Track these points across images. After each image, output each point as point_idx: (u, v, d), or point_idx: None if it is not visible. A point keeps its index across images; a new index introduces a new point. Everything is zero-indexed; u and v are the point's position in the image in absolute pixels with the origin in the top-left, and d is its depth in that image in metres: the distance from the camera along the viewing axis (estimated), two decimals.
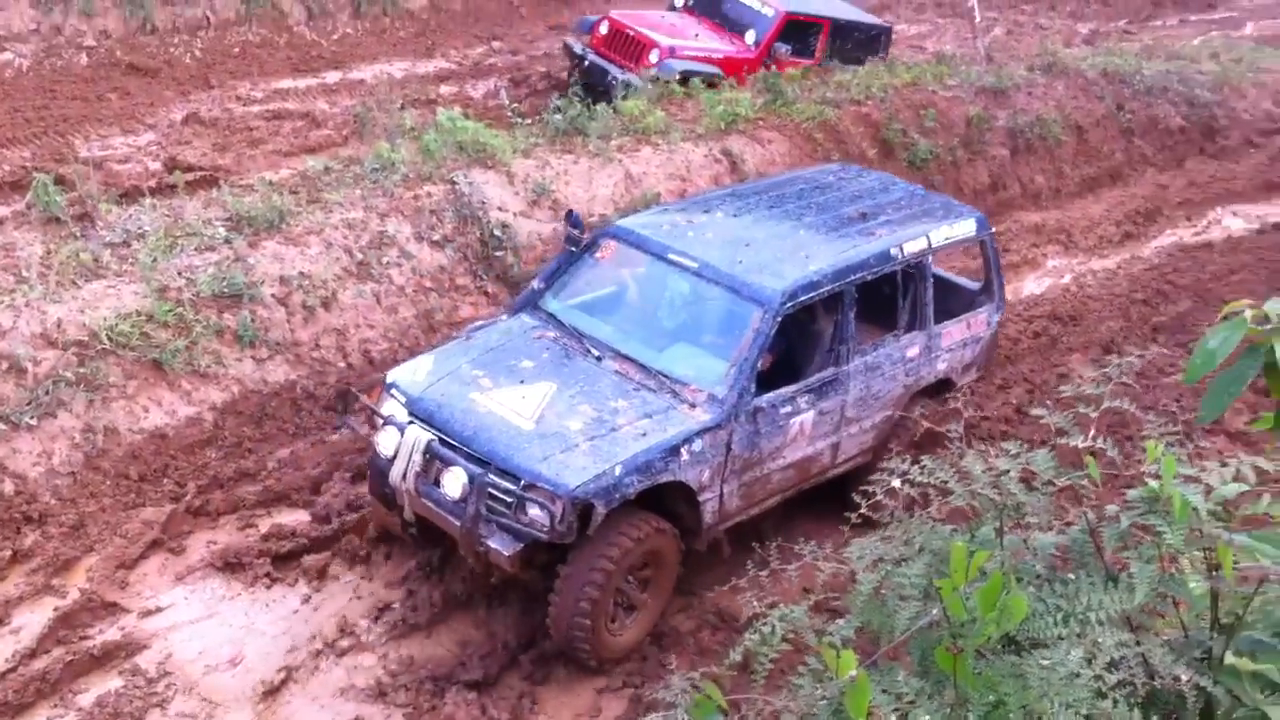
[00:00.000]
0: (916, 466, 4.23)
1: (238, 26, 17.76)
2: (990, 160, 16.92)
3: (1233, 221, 17.16)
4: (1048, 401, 5.68)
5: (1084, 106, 18.42)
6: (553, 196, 12.51)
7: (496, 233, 11.82)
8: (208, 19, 17.66)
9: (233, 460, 9.48)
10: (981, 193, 16.70)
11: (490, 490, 7.40)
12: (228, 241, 10.43)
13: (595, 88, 15.92)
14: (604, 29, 16.87)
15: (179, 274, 9.96)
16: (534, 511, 7.31)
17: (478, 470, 7.45)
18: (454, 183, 12.01)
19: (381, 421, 7.92)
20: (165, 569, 8.47)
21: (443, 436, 7.69)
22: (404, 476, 7.73)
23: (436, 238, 11.52)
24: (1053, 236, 15.89)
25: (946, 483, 4.00)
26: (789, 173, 11.81)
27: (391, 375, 8.26)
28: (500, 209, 12.08)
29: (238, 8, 17.88)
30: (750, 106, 15.13)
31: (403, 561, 8.64)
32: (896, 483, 4.04)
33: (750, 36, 17.13)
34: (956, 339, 9.82)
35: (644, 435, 7.64)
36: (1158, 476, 3.49)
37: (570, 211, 9.37)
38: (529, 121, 14.01)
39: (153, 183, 12.77)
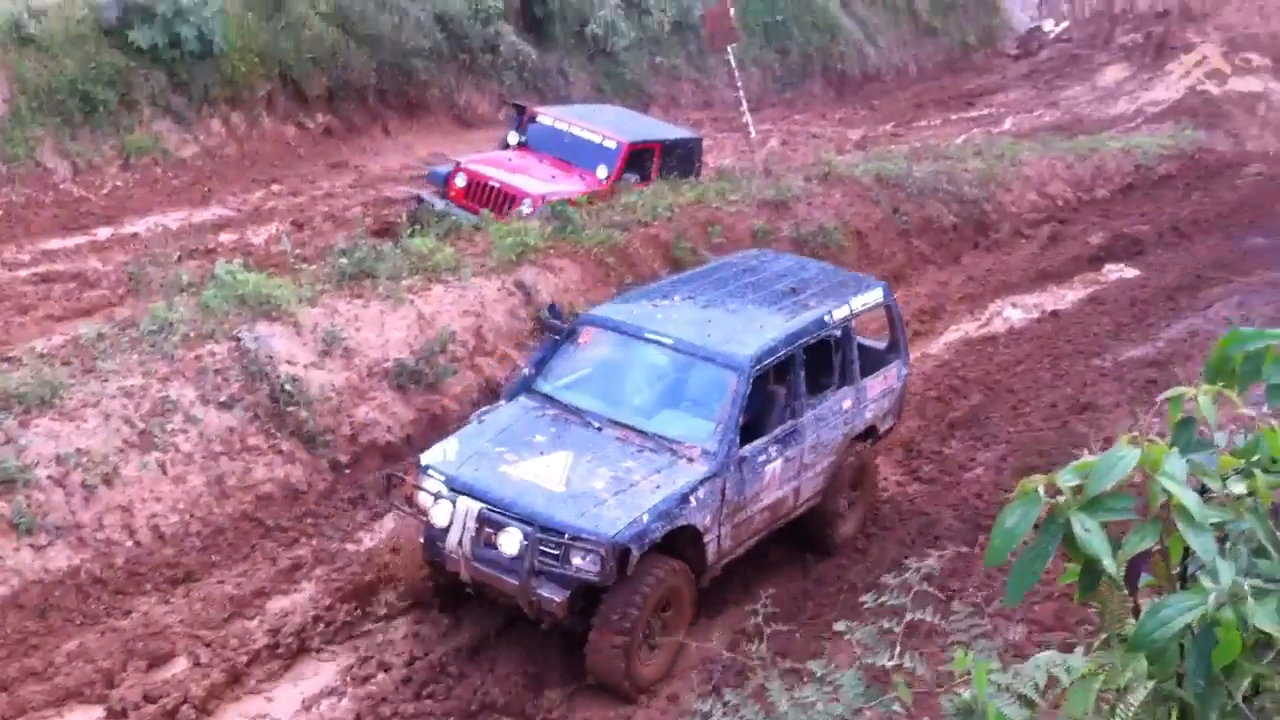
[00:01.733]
0: (720, 705, 4.08)
1: None
2: None
3: (1012, 312, 17.83)
4: (853, 616, 5.70)
5: (862, 212, 19.01)
6: (344, 344, 12.16)
7: (287, 387, 11.38)
8: None
9: (16, 659, 8.76)
10: None
11: (542, 545, 8.63)
12: None
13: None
14: (460, 181, 16.73)
15: None
16: (577, 560, 8.61)
17: (529, 529, 8.67)
18: (238, 339, 11.56)
19: (432, 498, 9.02)
20: None
21: (487, 505, 8.82)
22: (460, 543, 8.88)
23: (223, 398, 11.02)
24: None
25: None
26: (716, 260, 13.13)
27: (424, 459, 9.43)
28: (289, 362, 11.66)
29: None
30: (539, 236, 15.08)
31: None
32: None
33: (601, 171, 17.39)
34: (878, 391, 11.53)
35: (658, 488, 9.08)
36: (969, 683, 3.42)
37: (551, 304, 11.45)
38: (313, 267, 13.65)
39: None
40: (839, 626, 4.69)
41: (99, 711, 8.42)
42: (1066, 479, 3.19)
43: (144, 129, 18.58)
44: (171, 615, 9.34)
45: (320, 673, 9.03)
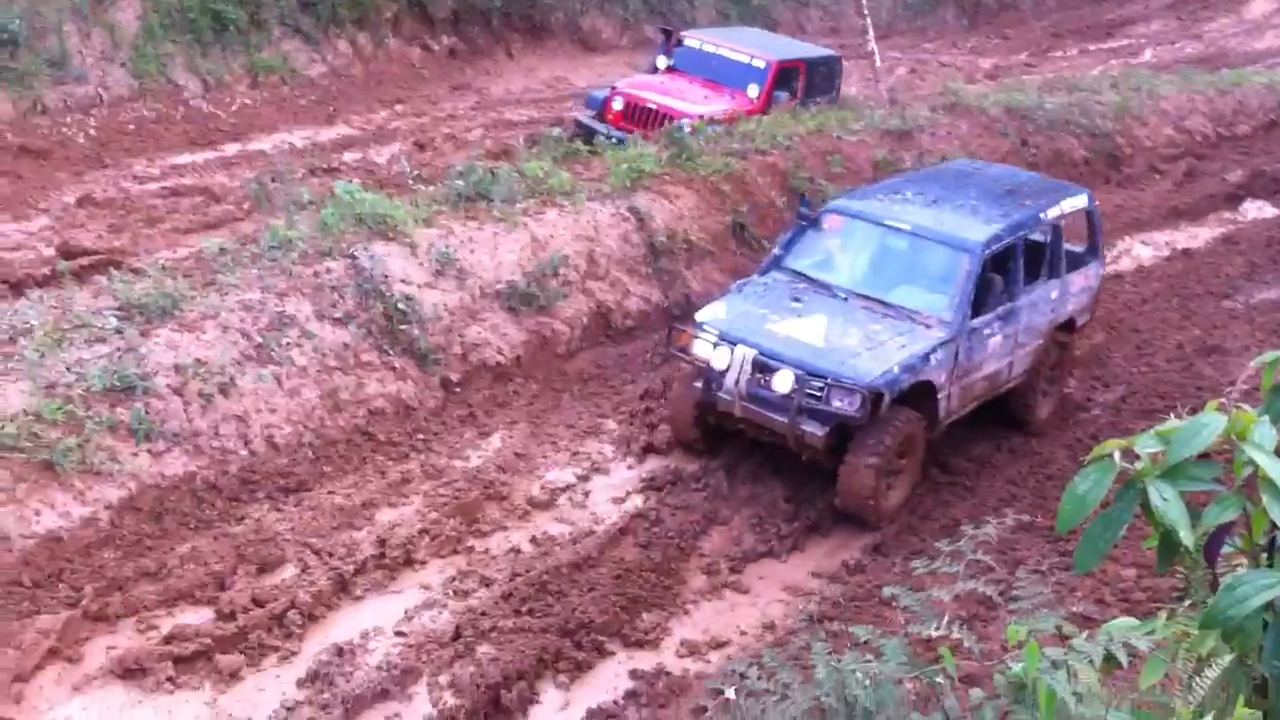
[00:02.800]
0: (756, 668, 4.05)
1: (131, 103, 17.38)
2: None
3: (1142, 250, 17.34)
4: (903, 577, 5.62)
5: (989, 144, 18.57)
6: (458, 265, 12.30)
7: (400, 306, 11.57)
8: (100, 96, 17.26)
9: (131, 559, 9.08)
10: None
11: (809, 385, 10.03)
12: (119, 332, 10.06)
13: None
14: (618, 105, 17.57)
15: (67, 369, 9.58)
16: (838, 402, 9.98)
17: (800, 371, 10.08)
18: (354, 257, 11.75)
19: (712, 345, 10.44)
20: (62, 679, 8.07)
21: (760, 353, 10.26)
22: (737, 382, 10.31)
23: (338, 315, 11.24)
24: None
25: (789, 685, 3.80)
26: (931, 167, 14.67)
27: (700, 316, 10.90)
28: (404, 281, 11.84)
29: (130, 84, 17.52)
30: (656, 162, 15.04)
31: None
32: (730, 692, 3.86)
33: (753, 90, 18.08)
34: (1078, 287, 12.65)
35: (904, 347, 10.40)
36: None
37: (803, 195, 13.06)
38: (431, 188, 13.81)
39: (47, 270, 12.35)
40: (888, 591, 4.62)
41: (209, 613, 8.68)
42: (1146, 444, 3.07)
43: (272, 48, 18.94)
44: (282, 523, 9.59)
45: (424, 584, 9.23)
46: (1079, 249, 12.96)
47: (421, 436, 11.07)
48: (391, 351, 11.42)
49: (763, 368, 10.30)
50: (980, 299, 11.13)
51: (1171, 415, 3.51)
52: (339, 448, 10.62)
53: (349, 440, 10.73)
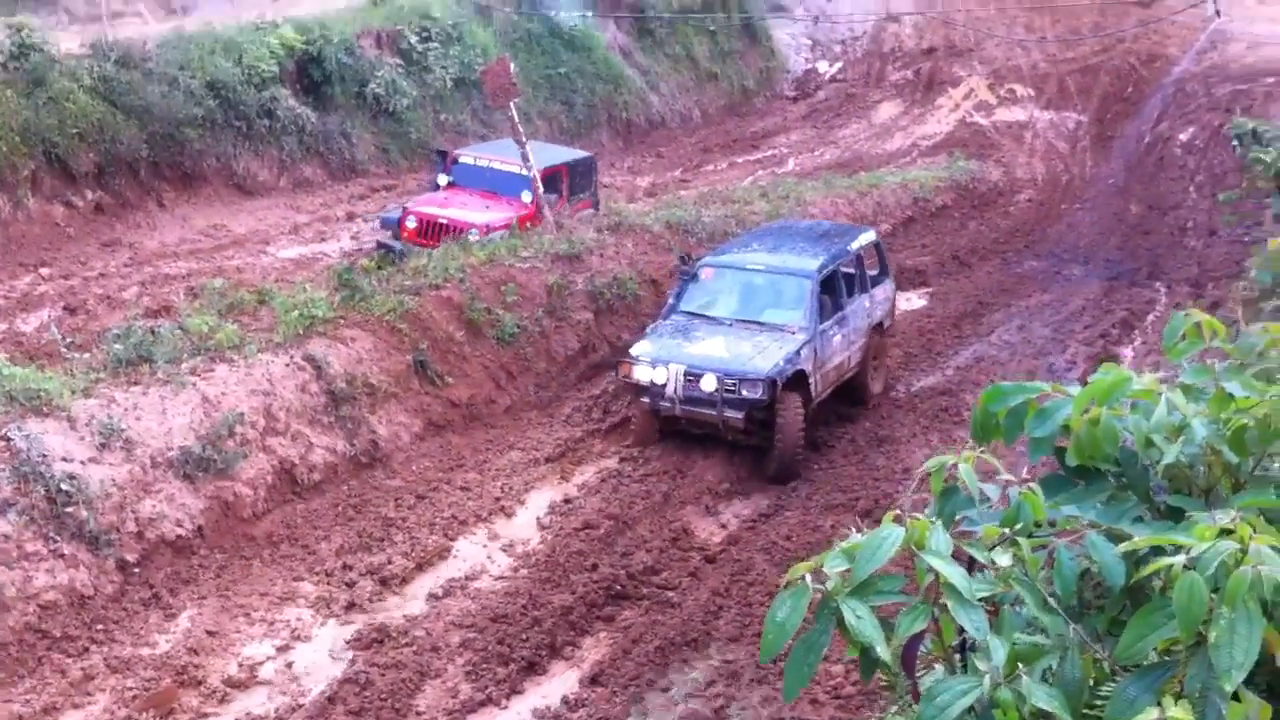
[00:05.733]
0: None
1: None
2: (576, 325, 17.20)
3: None
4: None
5: (655, 260, 19.12)
6: (124, 435, 11.55)
7: (64, 486, 10.73)
8: None
9: None
10: (573, 358, 16.93)
11: (725, 383, 13.73)
12: None
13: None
14: (411, 223, 19.14)
15: None
16: (747, 391, 13.75)
17: (718, 374, 13.78)
18: (7, 439, 10.85)
19: (650, 368, 14.01)
20: None
21: (687, 366, 13.91)
22: (675, 391, 13.88)
23: None
24: None
25: None
26: (766, 225, 19.12)
27: (634, 351, 14.40)
28: (65, 459, 11.01)
29: None
30: (327, 307, 14.71)
31: None
32: None
33: (526, 196, 19.82)
34: (880, 298, 16.72)
35: (781, 348, 14.26)
36: None
37: (684, 256, 16.99)
38: (87, 355, 12.99)
39: None
40: None
41: None
42: (834, 563, 3.14)
43: None
44: None
45: None
46: (875, 272, 16.77)
47: (101, 627, 10.25)
48: (59, 537, 10.55)
49: (691, 375, 13.81)
50: (822, 311, 14.98)
51: (851, 529, 3.59)
52: (10, 650, 9.74)
53: (20, 641, 9.85)
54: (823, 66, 37.96)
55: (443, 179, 20.45)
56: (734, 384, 13.76)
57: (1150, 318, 19.36)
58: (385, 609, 10.96)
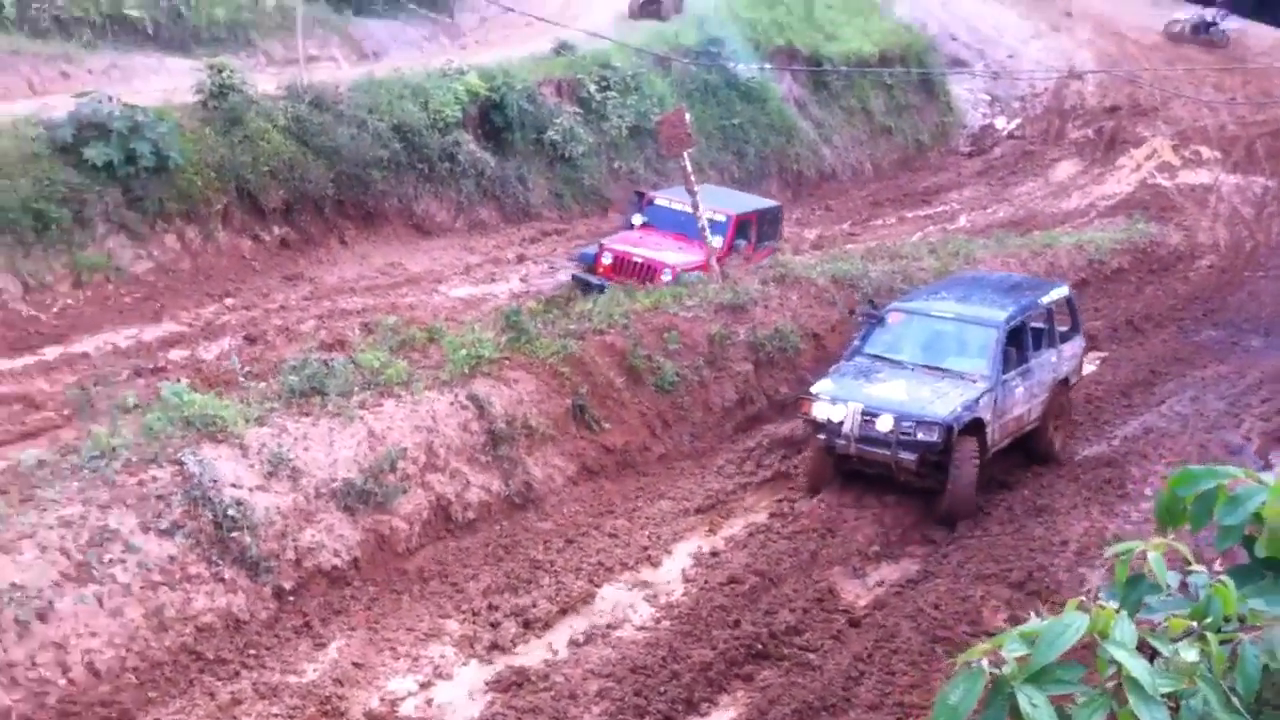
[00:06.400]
0: None
1: None
2: (735, 376, 17.25)
3: None
4: None
5: (819, 314, 19.07)
6: (291, 465, 12.01)
7: (230, 512, 11.20)
8: None
9: None
10: (730, 409, 16.97)
11: (901, 425, 14.01)
12: None
13: None
14: (607, 259, 20.28)
15: None
16: (922, 435, 14.01)
17: (895, 414, 14.06)
18: (181, 463, 11.38)
19: (829, 405, 14.34)
20: None
21: (864, 406, 14.21)
22: (850, 429, 14.15)
23: (164, 525, 10.82)
24: (802, 447, 16.09)
25: None
26: (957, 275, 19.49)
27: (815, 389, 14.76)
28: (234, 485, 11.49)
29: None
30: (493, 348, 15.05)
31: None
32: None
33: (717, 241, 20.62)
34: (1069, 354, 16.86)
35: (961, 395, 14.46)
36: None
37: (871, 301, 17.26)
38: (262, 384, 13.54)
39: None
40: None
41: None
42: (1012, 648, 3.09)
43: (97, 246, 18.51)
44: None
45: None
46: (1065, 328, 16.92)
47: (253, 652, 10.62)
48: (221, 562, 11.01)
49: (868, 415, 14.10)
50: (1005, 360, 15.12)
51: (1032, 614, 3.54)
52: (164, 670, 10.13)
53: (175, 661, 10.25)
54: (1000, 123, 37.42)
55: (637, 219, 21.53)
56: (910, 426, 14.05)
57: None
58: (527, 651, 11.11)
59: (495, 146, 25.61)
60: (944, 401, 14.32)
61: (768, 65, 32.31)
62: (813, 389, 14.84)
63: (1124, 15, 42.05)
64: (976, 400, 14.48)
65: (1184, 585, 3.43)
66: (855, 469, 14.64)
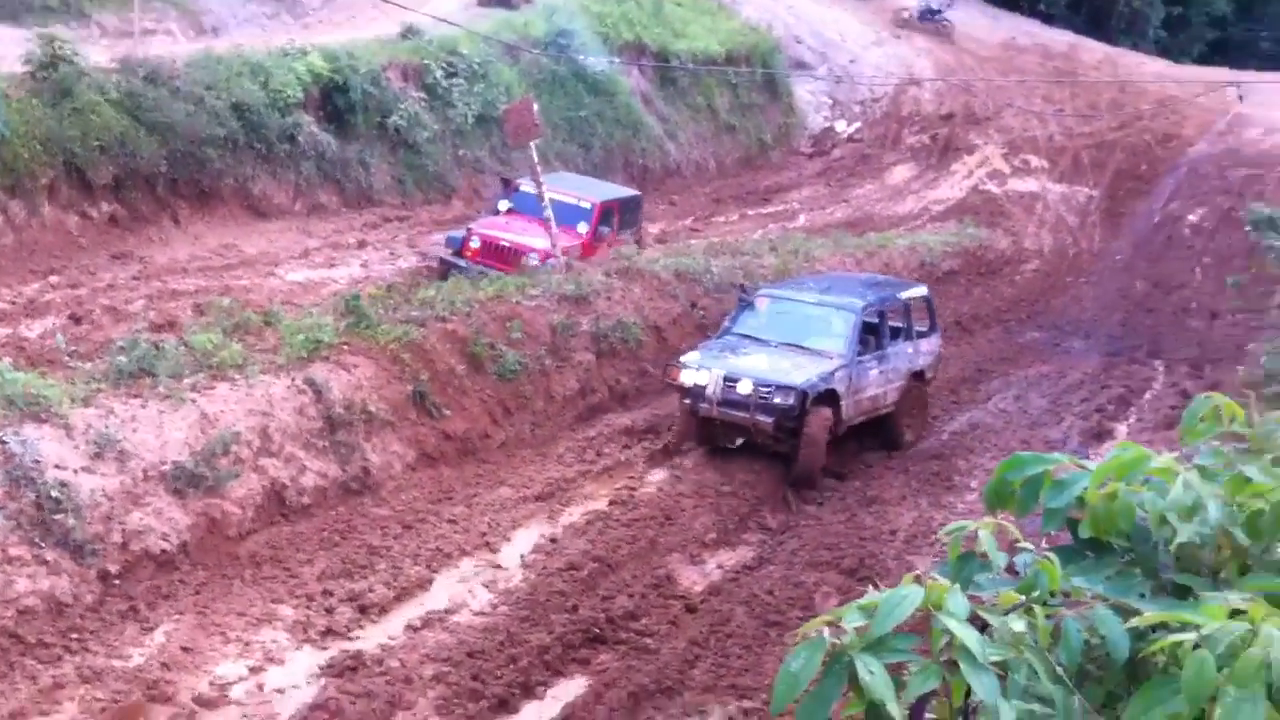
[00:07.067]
0: None
1: None
2: (577, 366, 17.31)
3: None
4: None
5: (661, 306, 19.27)
6: (119, 447, 11.63)
7: (54, 494, 10.80)
8: None
9: None
10: (571, 399, 17.02)
11: (760, 390, 15.17)
12: None
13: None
14: (475, 243, 20.62)
15: None
16: (779, 399, 15.18)
17: (753, 379, 15.28)
18: (3, 442, 10.94)
19: (694, 370, 15.58)
20: None
21: (726, 373, 15.41)
22: (713, 392, 15.33)
23: None
24: (641, 436, 16.31)
25: None
26: (825, 273, 20.98)
27: (683, 360, 15.97)
28: (58, 467, 11.08)
29: None
30: (333, 332, 14.82)
31: None
32: None
33: (582, 227, 21.48)
34: (925, 349, 17.84)
35: (818, 368, 15.68)
36: None
37: (742, 285, 18.18)
38: (89, 364, 13.10)
39: None
40: None
41: None
42: (851, 619, 3.20)
43: None
44: None
45: None
46: (923, 327, 17.97)
47: (76, 636, 10.26)
48: (44, 544, 10.61)
49: (730, 381, 15.26)
50: (863, 344, 16.38)
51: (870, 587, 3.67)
52: None
53: None
54: (840, 125, 38.26)
55: (504, 204, 21.89)
56: (768, 391, 15.19)
57: (1147, 395, 19.45)
58: (362, 636, 10.99)
59: (337, 129, 25.12)
60: (801, 372, 15.52)
61: (616, 59, 32.43)
62: (681, 359, 16.03)
63: (962, 26, 43.40)
64: (832, 373, 15.68)
65: (1011, 566, 3.59)
66: (717, 433, 15.70)
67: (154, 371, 12.86)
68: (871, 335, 16.69)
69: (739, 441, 15.58)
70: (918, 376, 17.57)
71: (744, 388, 15.27)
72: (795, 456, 15.33)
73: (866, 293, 17.55)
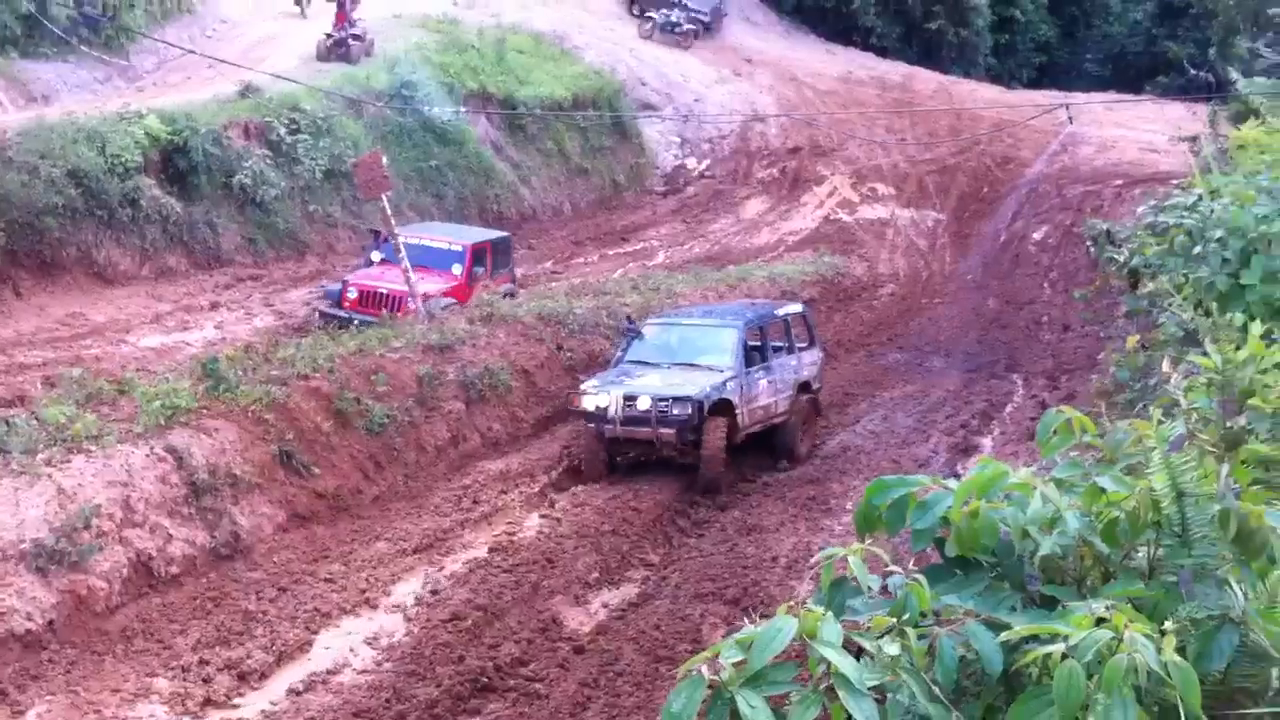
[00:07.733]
0: None
1: None
2: (447, 415, 17.11)
3: None
4: None
5: (527, 350, 19.20)
6: None
7: None
8: None
9: None
10: (443, 448, 16.81)
11: (659, 405, 16.24)
12: None
13: None
14: (353, 294, 21.34)
15: None
16: (677, 411, 16.21)
17: (652, 396, 16.33)
18: None
19: (595, 394, 16.56)
20: None
21: (625, 392, 16.48)
22: (616, 412, 16.27)
23: None
24: (517, 481, 16.18)
25: None
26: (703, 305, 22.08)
27: (583, 387, 16.92)
28: None
29: None
30: (190, 397, 14.38)
31: None
32: None
33: (456, 269, 22.18)
34: (808, 361, 19.13)
35: (710, 381, 16.75)
36: None
37: (629, 317, 19.18)
38: None
39: None
40: None
41: None
42: (729, 654, 3.18)
43: None
44: None
45: None
46: (803, 343, 19.17)
47: None
48: None
49: (629, 399, 16.28)
50: (749, 358, 17.60)
51: (745, 620, 3.66)
52: None
53: None
54: (691, 163, 38.73)
55: (375, 255, 22.38)
56: (666, 405, 16.24)
57: (1008, 409, 19.95)
58: (243, 704, 10.63)
59: (181, 191, 24.54)
60: (695, 385, 16.58)
61: (463, 109, 32.38)
62: (582, 386, 17.02)
63: (800, 62, 44.42)
64: (723, 384, 16.79)
65: (884, 587, 3.63)
66: (624, 452, 16.75)
67: (6, 448, 12.34)
68: (756, 351, 17.85)
69: (636, 455, 16.77)
70: (804, 388, 18.67)
71: (643, 404, 16.26)
72: (698, 465, 16.26)
73: (746, 312, 18.94)
